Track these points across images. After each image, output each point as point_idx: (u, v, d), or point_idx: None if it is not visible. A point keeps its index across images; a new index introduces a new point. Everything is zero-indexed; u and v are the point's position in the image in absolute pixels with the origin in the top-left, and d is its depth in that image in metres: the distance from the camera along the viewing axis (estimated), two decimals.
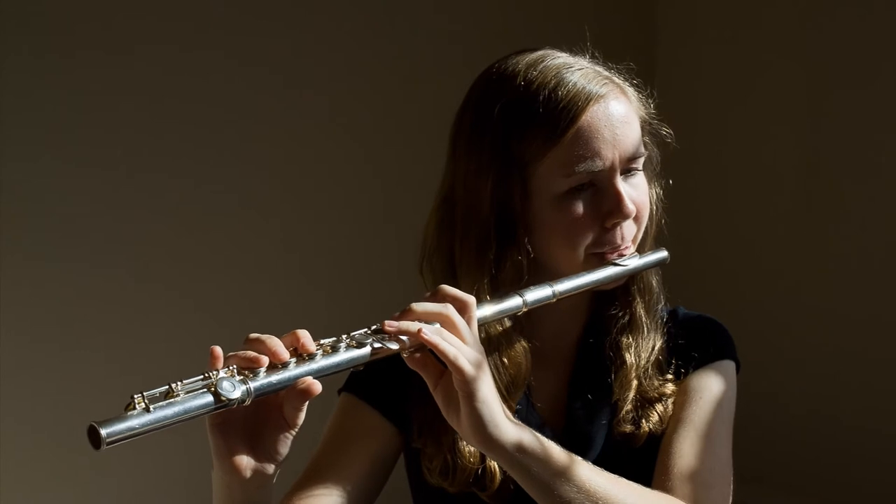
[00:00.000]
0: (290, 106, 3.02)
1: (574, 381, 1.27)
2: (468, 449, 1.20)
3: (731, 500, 1.19)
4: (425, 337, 0.96)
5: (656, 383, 1.24)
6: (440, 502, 1.24)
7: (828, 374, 3.37)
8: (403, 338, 0.99)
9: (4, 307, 2.59)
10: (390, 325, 0.99)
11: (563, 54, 1.21)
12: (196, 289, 2.89)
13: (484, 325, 1.15)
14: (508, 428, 1.01)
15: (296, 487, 1.19)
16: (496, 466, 1.20)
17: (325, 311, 2.99)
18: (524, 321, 1.21)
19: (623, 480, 1.09)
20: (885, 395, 3.21)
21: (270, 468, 0.96)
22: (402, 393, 1.24)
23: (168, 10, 2.78)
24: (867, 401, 3.26)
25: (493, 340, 1.18)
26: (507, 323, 1.20)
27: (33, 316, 2.64)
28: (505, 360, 1.19)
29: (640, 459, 1.20)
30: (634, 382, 1.24)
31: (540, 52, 1.21)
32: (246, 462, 0.94)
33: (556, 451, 1.05)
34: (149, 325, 2.81)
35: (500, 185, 1.17)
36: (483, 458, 1.20)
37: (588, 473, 1.06)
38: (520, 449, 1.02)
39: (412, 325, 0.98)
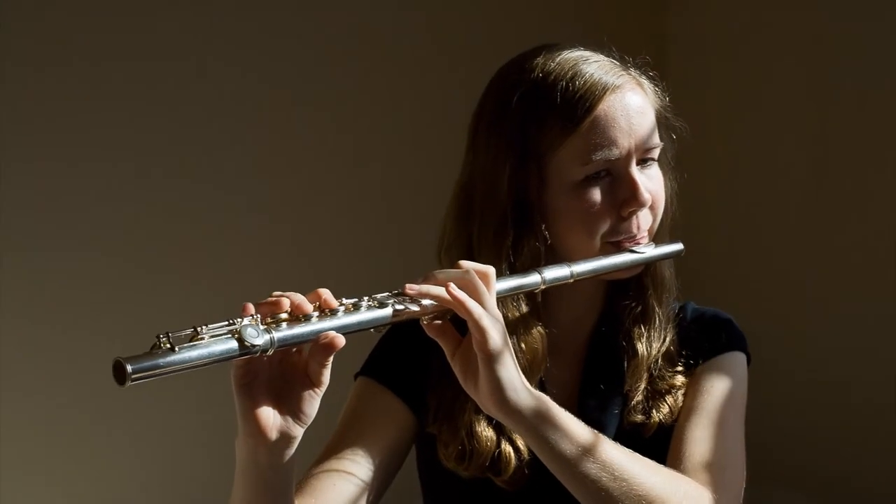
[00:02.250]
0: (297, 102, 3.05)
1: (587, 371, 1.28)
2: (485, 433, 1.20)
3: (743, 486, 1.19)
4: (453, 292, 0.98)
5: (667, 375, 1.26)
6: (453, 488, 1.24)
7: (842, 370, 3.34)
8: (425, 302, 1.00)
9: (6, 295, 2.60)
10: (411, 288, 1.00)
11: (580, 48, 1.24)
12: (201, 285, 2.88)
13: (502, 306, 1.16)
14: (526, 394, 1.02)
15: (313, 467, 1.18)
16: (511, 451, 1.21)
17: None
18: (541, 309, 1.23)
19: (643, 458, 1.10)
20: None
21: (296, 429, 0.95)
22: (418, 377, 1.25)
23: (173, 9, 2.81)
24: (881, 398, 3.23)
25: (510, 325, 1.18)
26: (525, 308, 1.21)
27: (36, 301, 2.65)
28: (522, 345, 1.20)
29: (651, 449, 1.19)
30: (645, 374, 1.25)
31: (557, 47, 1.24)
32: (272, 422, 0.93)
33: (575, 423, 1.06)
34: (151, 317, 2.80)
35: (517, 174, 1.19)
36: (499, 443, 1.21)
37: (607, 447, 1.07)
38: (538, 415, 1.02)
39: (435, 289, 0.99)
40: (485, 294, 1.01)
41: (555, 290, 1.24)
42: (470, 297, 0.99)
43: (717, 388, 1.23)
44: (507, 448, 1.20)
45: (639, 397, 1.24)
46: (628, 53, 1.26)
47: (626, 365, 1.26)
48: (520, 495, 1.22)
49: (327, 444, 1.21)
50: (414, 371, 1.25)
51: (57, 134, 2.66)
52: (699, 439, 1.18)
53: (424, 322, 1.03)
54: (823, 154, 3.36)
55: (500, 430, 1.21)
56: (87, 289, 2.72)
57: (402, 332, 1.30)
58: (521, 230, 1.20)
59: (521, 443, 1.21)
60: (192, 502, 2.76)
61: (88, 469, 2.75)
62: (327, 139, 3.11)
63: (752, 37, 3.58)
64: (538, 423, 1.02)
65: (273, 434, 0.93)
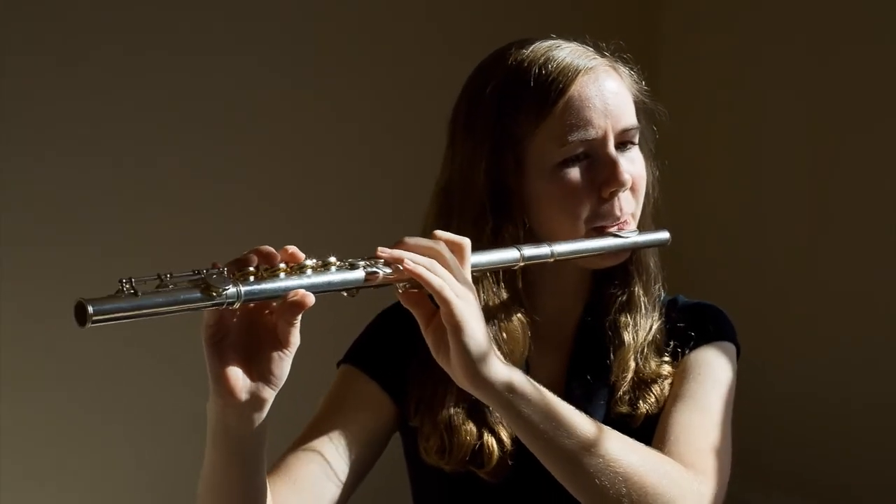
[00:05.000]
0: (295, 102, 3.06)
1: (573, 362, 1.26)
2: (464, 427, 1.18)
3: (728, 476, 1.15)
4: (408, 266, 0.96)
5: (653, 364, 1.23)
6: (437, 481, 1.22)
7: (830, 363, 3.26)
8: (399, 266, 0.99)
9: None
10: (382, 251, 0.99)
11: (553, 37, 1.25)
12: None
13: (481, 291, 1.15)
14: (498, 366, 1.00)
15: (289, 450, 1.16)
16: (494, 443, 1.18)
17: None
18: (524, 297, 1.21)
19: (622, 436, 1.07)
20: (889, 384, 3.10)
21: (267, 392, 0.93)
22: (401, 367, 1.23)
23: (172, 7, 2.85)
24: (873, 391, 3.14)
25: (490, 313, 1.17)
26: (504, 295, 1.20)
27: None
28: (504, 333, 1.19)
29: (637, 440, 1.16)
30: (632, 363, 1.23)
31: (530, 39, 1.25)
32: (242, 383, 0.91)
33: (550, 397, 1.04)
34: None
35: (494, 163, 1.19)
36: (480, 436, 1.18)
37: (585, 422, 1.04)
38: (510, 388, 1.00)
39: (402, 253, 0.98)
40: (453, 263, 1.00)
41: (538, 279, 1.23)
42: (439, 265, 0.98)
43: (705, 375, 1.21)
44: (489, 440, 1.18)
45: (625, 387, 1.22)
46: (618, 31, 1.27)
47: (612, 355, 1.23)
48: (504, 487, 1.19)
49: (306, 429, 1.19)
50: (398, 361, 1.23)
51: (56, 130, 2.67)
52: (685, 423, 1.15)
53: (399, 290, 1.02)
54: (822, 149, 3.32)
55: (481, 423, 1.19)
56: (85, 285, 2.70)
57: (387, 322, 1.29)
58: (499, 219, 1.19)
59: (504, 434, 1.18)
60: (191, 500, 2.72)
61: (88, 468, 2.72)
62: (319, 136, 3.11)
63: (747, 25, 3.56)
64: (511, 397, 1.00)
65: (243, 395, 0.91)
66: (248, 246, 3.03)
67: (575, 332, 1.27)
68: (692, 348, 1.24)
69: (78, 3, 2.70)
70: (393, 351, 1.23)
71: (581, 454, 1.02)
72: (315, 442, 1.16)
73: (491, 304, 1.18)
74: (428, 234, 1.25)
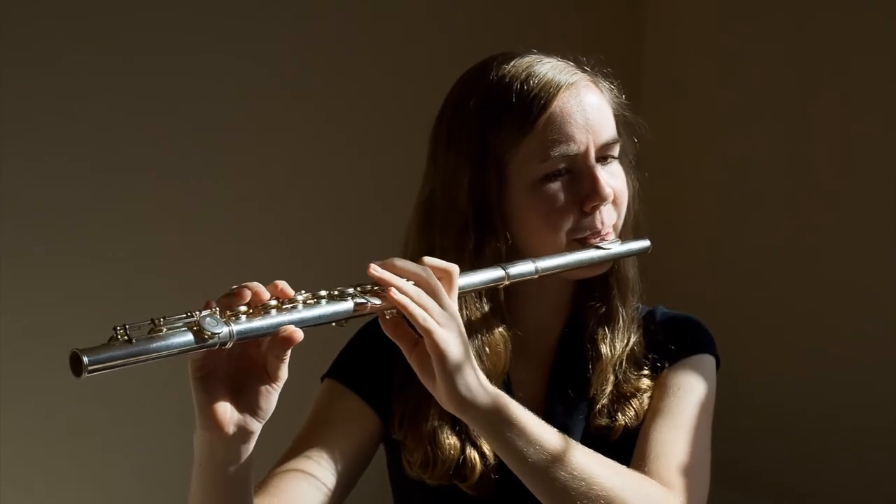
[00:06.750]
0: (287, 105, 3.05)
1: (554, 377, 1.27)
2: (448, 440, 1.20)
3: (707, 490, 1.18)
4: (394, 297, 0.97)
5: (632, 377, 1.25)
6: (420, 495, 1.23)
7: (808, 373, 3.32)
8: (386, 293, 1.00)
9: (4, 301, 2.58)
10: (373, 267, 0.99)
11: (535, 52, 1.26)
12: (191, 283, 2.83)
13: (464, 307, 1.16)
14: (482, 391, 1.02)
15: (276, 466, 1.18)
16: (476, 457, 1.20)
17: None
18: (506, 311, 1.23)
19: (605, 459, 1.09)
20: (868, 393, 3.17)
21: (254, 424, 0.94)
22: (385, 382, 1.24)
23: (166, 11, 2.81)
24: (850, 401, 3.21)
25: (473, 327, 1.19)
26: (486, 309, 1.21)
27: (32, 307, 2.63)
28: (487, 348, 1.20)
29: (617, 453, 1.18)
30: (611, 376, 1.25)
31: (512, 53, 1.26)
32: (229, 416, 0.92)
33: (534, 421, 1.06)
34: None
35: (476, 178, 1.20)
36: (463, 449, 1.20)
37: (567, 446, 1.06)
38: (494, 413, 1.02)
39: (390, 278, 0.99)
40: (440, 292, 1.01)
41: (520, 293, 1.24)
42: (426, 294, 1.00)
43: (684, 391, 1.23)
44: (472, 454, 1.20)
45: (604, 401, 1.24)
46: (604, 42, 1.27)
47: (591, 369, 1.25)
48: (487, 501, 1.21)
49: (291, 445, 1.20)
50: (381, 375, 1.24)
51: (50, 133, 2.63)
52: (664, 441, 1.17)
53: (387, 317, 1.03)
54: (801, 153, 3.35)
55: (464, 437, 1.20)
56: (81, 289, 2.69)
57: (370, 336, 1.30)
58: (482, 234, 1.20)
59: (486, 448, 1.20)
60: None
61: (85, 470, 2.72)
62: (316, 140, 3.11)
63: (731, 27, 3.57)
64: (495, 421, 1.02)
65: (230, 428, 0.92)
66: (243, 246, 3.01)
67: (555, 347, 1.28)
68: (672, 362, 1.26)
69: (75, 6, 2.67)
70: (376, 365, 1.24)
71: (564, 477, 1.04)
72: (300, 459, 1.17)
73: (473, 318, 1.19)
74: (411, 249, 1.27)
